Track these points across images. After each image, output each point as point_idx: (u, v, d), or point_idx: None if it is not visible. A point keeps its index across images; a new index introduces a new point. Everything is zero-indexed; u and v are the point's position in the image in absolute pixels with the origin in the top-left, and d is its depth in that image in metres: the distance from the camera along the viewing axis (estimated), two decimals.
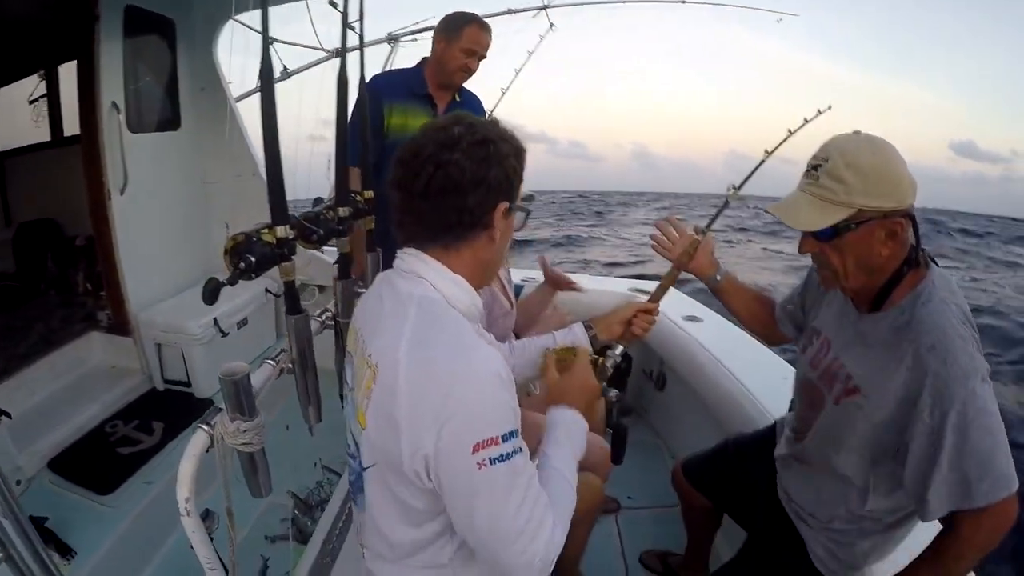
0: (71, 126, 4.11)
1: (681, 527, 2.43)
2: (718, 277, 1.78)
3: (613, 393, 1.48)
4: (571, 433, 1.25)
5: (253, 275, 1.29)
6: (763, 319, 1.83)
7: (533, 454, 1.21)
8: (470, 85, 2.76)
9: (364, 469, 1.08)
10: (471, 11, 2.59)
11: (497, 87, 4.35)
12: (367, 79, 1.93)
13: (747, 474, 1.86)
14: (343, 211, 1.61)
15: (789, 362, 2.78)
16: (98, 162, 2.92)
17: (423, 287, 1.06)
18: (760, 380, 2.47)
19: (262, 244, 1.30)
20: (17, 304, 3.76)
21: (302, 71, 4.19)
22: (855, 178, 1.20)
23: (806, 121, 1.63)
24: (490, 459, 0.94)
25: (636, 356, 3.40)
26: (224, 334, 3.14)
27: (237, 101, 3.55)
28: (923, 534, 1.43)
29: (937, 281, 1.28)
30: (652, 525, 2.58)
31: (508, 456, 0.95)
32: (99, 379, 3.13)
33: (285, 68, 4.24)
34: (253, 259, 1.27)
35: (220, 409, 1.22)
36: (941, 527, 1.29)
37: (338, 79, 1.58)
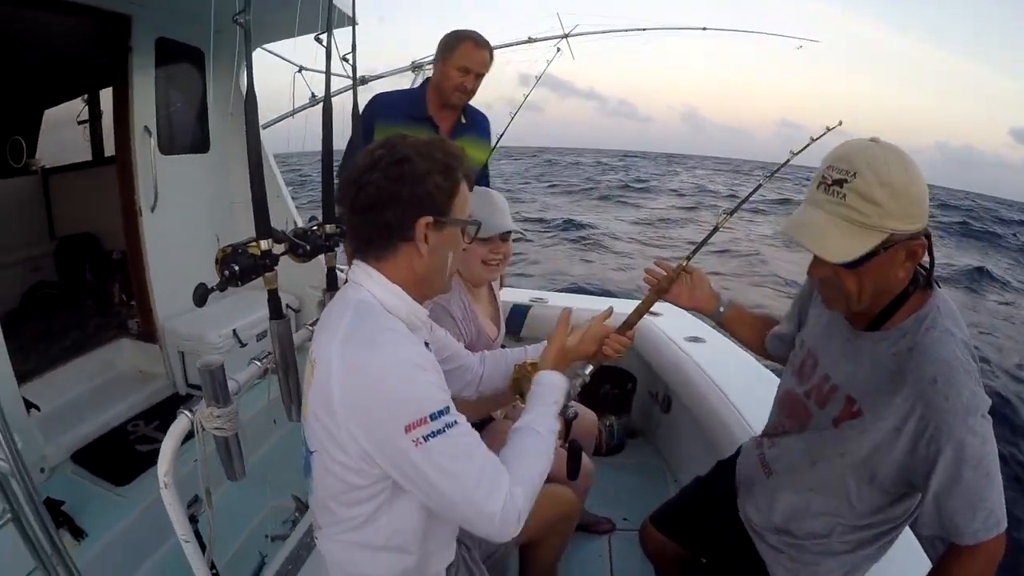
0: (110, 147, 4.40)
1: None
2: (721, 309, 1.76)
3: (572, 411, 1.53)
4: (556, 395, 1.40)
5: (238, 283, 1.46)
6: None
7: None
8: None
9: (311, 453, 1.22)
10: (494, 42, 2.59)
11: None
12: None
13: (712, 504, 1.79)
14: (329, 228, 1.77)
15: None
16: (131, 181, 3.14)
17: (362, 293, 1.20)
18: (756, 405, 2.44)
19: (247, 255, 1.47)
20: (56, 311, 4.02)
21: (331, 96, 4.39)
22: (891, 200, 1.09)
23: (812, 140, 1.56)
24: (423, 437, 1.06)
25: (641, 378, 3.43)
26: (243, 344, 3.28)
27: (264, 127, 3.76)
28: (897, 563, 1.47)
29: (942, 307, 1.22)
30: None
31: (440, 431, 1.07)
32: (126, 382, 3.34)
33: (313, 95, 4.46)
34: (237, 268, 1.44)
35: (202, 398, 1.39)
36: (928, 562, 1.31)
37: (323, 109, 1.75)
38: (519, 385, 1.58)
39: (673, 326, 3.35)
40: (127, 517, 2.39)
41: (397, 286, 1.22)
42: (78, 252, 4.48)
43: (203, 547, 1.46)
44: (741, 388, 2.64)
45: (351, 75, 1.94)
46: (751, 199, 1.82)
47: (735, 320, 1.78)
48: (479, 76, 2.57)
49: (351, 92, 1.99)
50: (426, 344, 1.38)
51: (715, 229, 1.68)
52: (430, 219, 1.17)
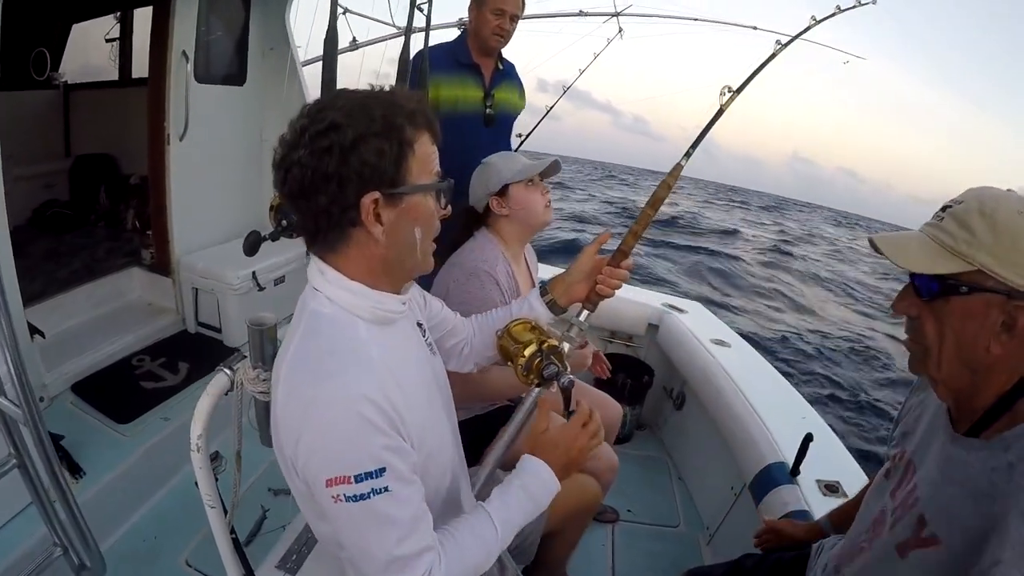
0: (138, 69, 4.23)
1: (674, 547, 2.46)
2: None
3: (567, 379, 1.30)
4: (531, 489, 1.19)
5: (293, 234, 1.34)
6: None
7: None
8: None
9: None
10: (543, 11, 2.60)
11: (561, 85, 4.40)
12: None
13: None
14: None
15: (810, 400, 2.77)
16: (162, 106, 3.00)
17: (317, 300, 1.04)
18: (778, 416, 2.43)
19: None
20: (66, 230, 3.88)
21: (369, 44, 4.24)
22: (987, 232, 0.91)
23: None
24: (344, 496, 0.92)
25: (659, 373, 3.43)
26: (260, 288, 3.19)
27: (304, 66, 3.61)
28: None
29: None
30: (647, 541, 2.59)
31: (364, 496, 0.92)
32: (134, 314, 3.22)
33: (354, 39, 4.31)
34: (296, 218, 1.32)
35: (244, 356, 1.27)
36: None
37: (400, 57, 1.63)
38: (507, 352, 1.38)
39: (699, 326, 3.29)
40: (127, 458, 2.31)
41: (356, 282, 1.04)
42: (94, 172, 4.32)
43: (224, 509, 1.36)
44: (766, 397, 2.59)
45: (425, 25, 1.82)
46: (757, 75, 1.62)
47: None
48: (514, 18, 2.59)
49: (387, 43, 1.87)
50: (419, 324, 1.25)
51: (720, 112, 1.51)
52: (377, 195, 0.96)
